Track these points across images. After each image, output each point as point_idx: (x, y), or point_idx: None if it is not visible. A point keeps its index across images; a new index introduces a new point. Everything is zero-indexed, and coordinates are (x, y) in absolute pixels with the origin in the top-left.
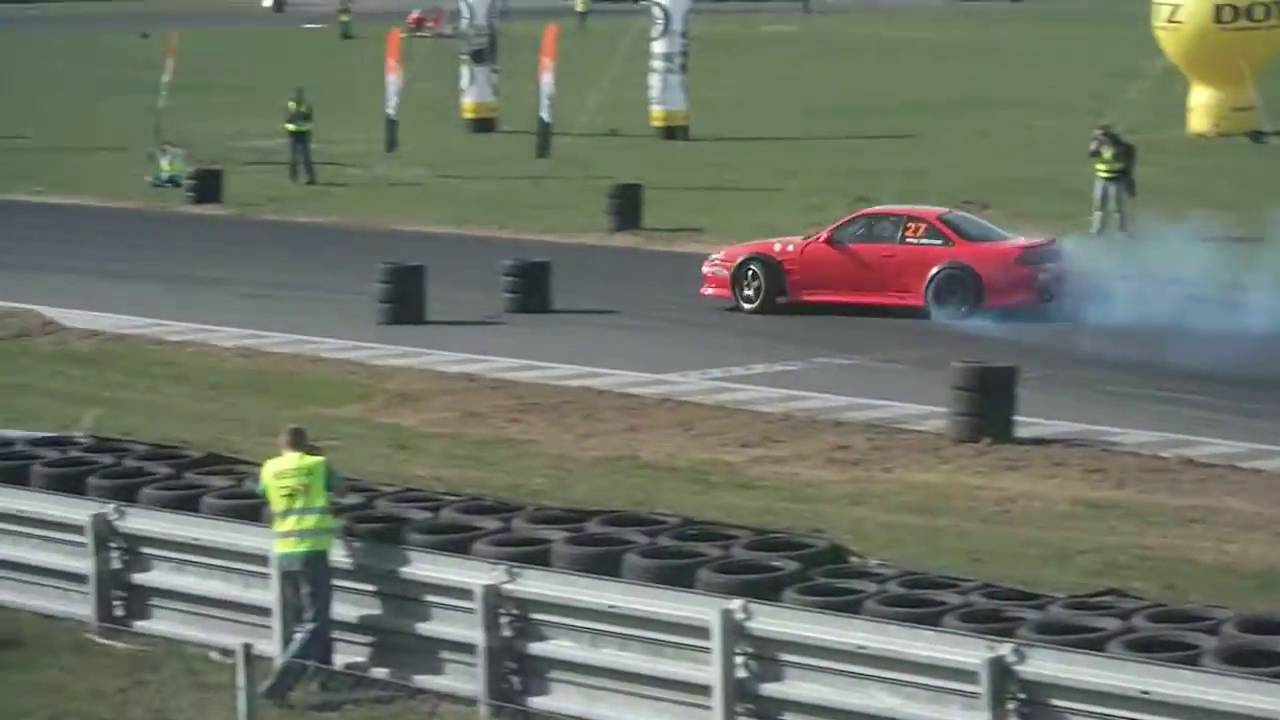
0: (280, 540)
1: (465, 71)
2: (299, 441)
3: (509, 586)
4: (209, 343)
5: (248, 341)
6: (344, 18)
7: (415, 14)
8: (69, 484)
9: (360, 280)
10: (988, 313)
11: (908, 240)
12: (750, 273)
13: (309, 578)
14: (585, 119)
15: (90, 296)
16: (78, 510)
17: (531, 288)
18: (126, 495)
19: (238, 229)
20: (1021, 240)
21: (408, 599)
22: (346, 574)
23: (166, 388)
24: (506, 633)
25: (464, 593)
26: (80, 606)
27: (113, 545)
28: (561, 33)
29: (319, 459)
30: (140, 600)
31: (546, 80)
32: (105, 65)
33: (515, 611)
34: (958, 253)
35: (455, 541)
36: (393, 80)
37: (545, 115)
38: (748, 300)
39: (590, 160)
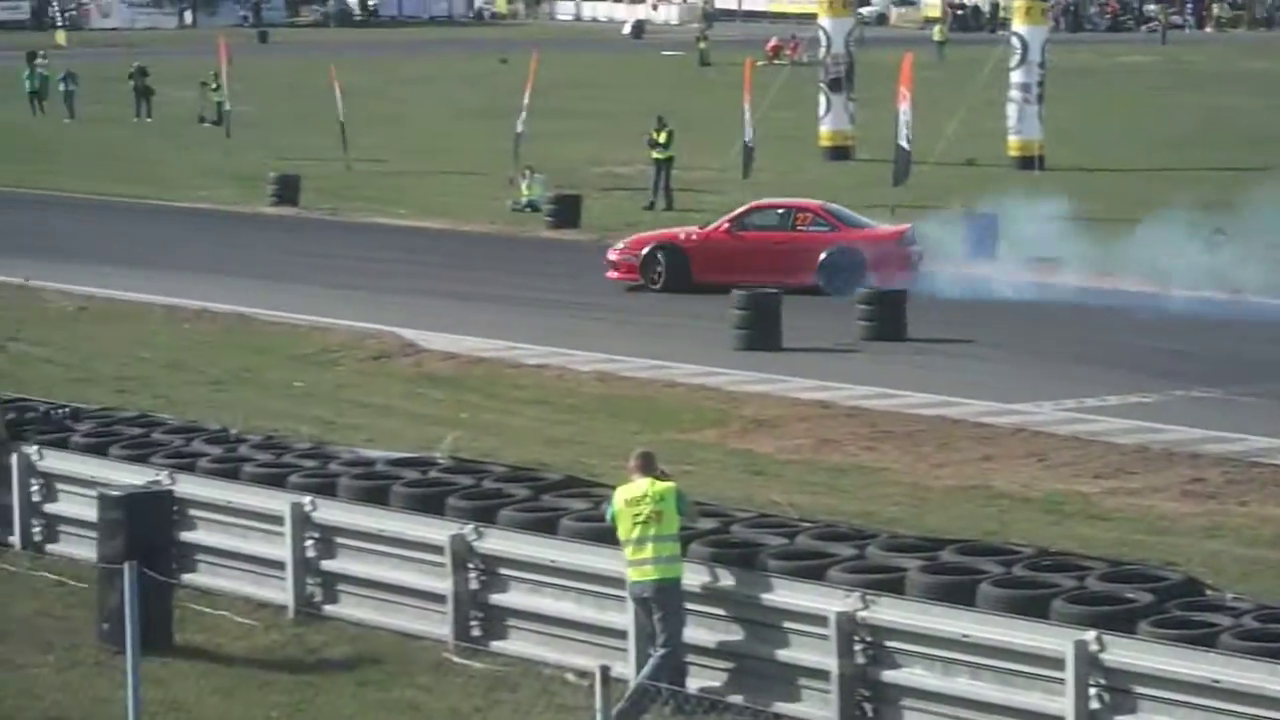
0: (632, 567)
1: (822, 99)
2: (648, 466)
3: (863, 613)
4: (566, 366)
5: (604, 366)
6: (702, 45)
7: (773, 41)
8: (429, 504)
9: (716, 306)
10: (876, 286)
11: (798, 228)
12: (657, 259)
13: (659, 604)
14: (942, 148)
15: (449, 319)
16: (437, 531)
17: (886, 315)
18: (485, 516)
19: (595, 254)
20: (892, 226)
21: (762, 624)
22: (702, 598)
23: (524, 410)
24: (860, 659)
25: (818, 619)
26: (438, 626)
27: (471, 566)
28: (919, 62)
29: (669, 485)
30: (497, 620)
31: (904, 109)
32: (465, 90)
33: (869, 638)
34: (844, 237)
35: (810, 568)
36: (749, 107)
37: (903, 143)
38: (653, 282)
39: (947, 189)
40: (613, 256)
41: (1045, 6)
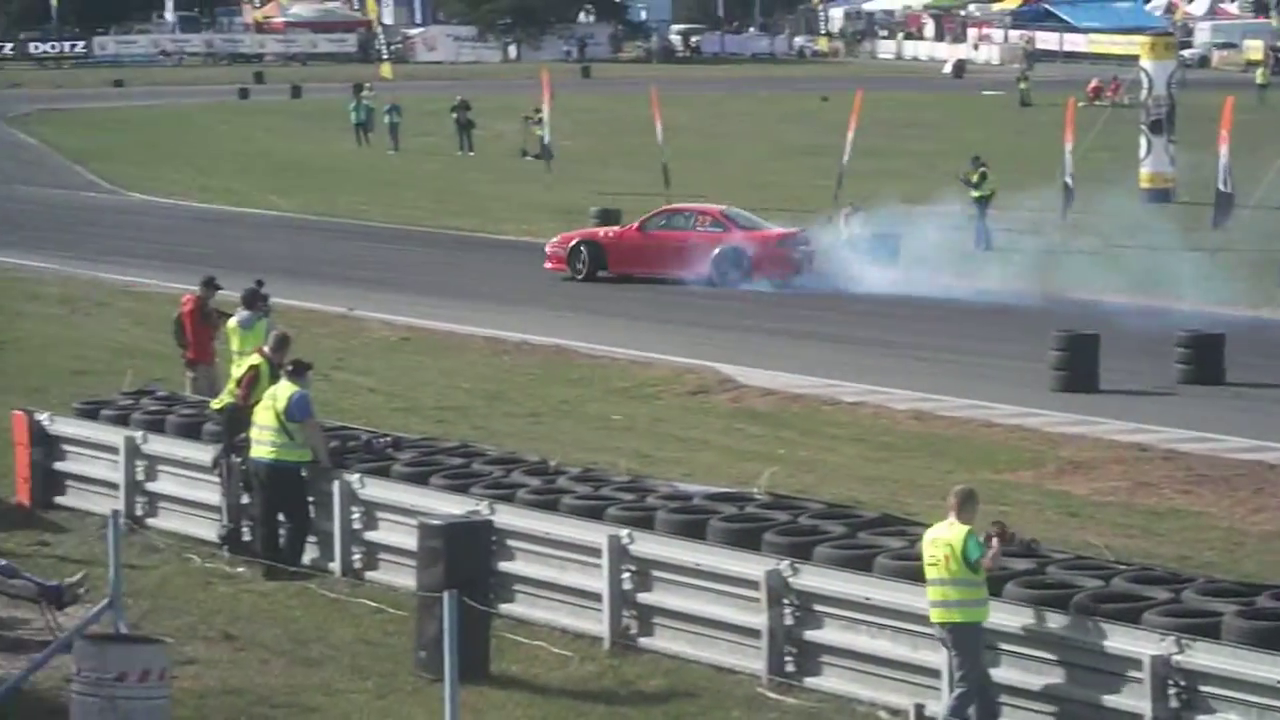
0: (930, 608)
1: (1143, 141)
2: (962, 507)
3: (1178, 658)
4: (883, 404)
5: (922, 404)
6: (1023, 85)
7: (1094, 82)
8: (745, 539)
9: (1033, 347)
10: (756, 281)
11: (697, 228)
12: (581, 252)
13: (952, 645)
14: (1262, 191)
15: (767, 355)
16: (753, 566)
17: (1205, 359)
18: (801, 553)
19: (915, 292)
20: (779, 229)
21: (1076, 666)
22: (1017, 639)
23: (841, 447)
24: (1173, 704)
25: (1133, 663)
26: (753, 661)
27: (786, 601)
28: (1239, 105)
29: (962, 530)
30: (811, 656)
31: (1224, 152)
32: (786, 127)
33: (1183, 683)
34: (733, 237)
35: (1125, 611)
36: (1069, 148)
37: (1223, 186)
38: (578, 272)
39: (1271, 232)
40: (548, 250)
41: None
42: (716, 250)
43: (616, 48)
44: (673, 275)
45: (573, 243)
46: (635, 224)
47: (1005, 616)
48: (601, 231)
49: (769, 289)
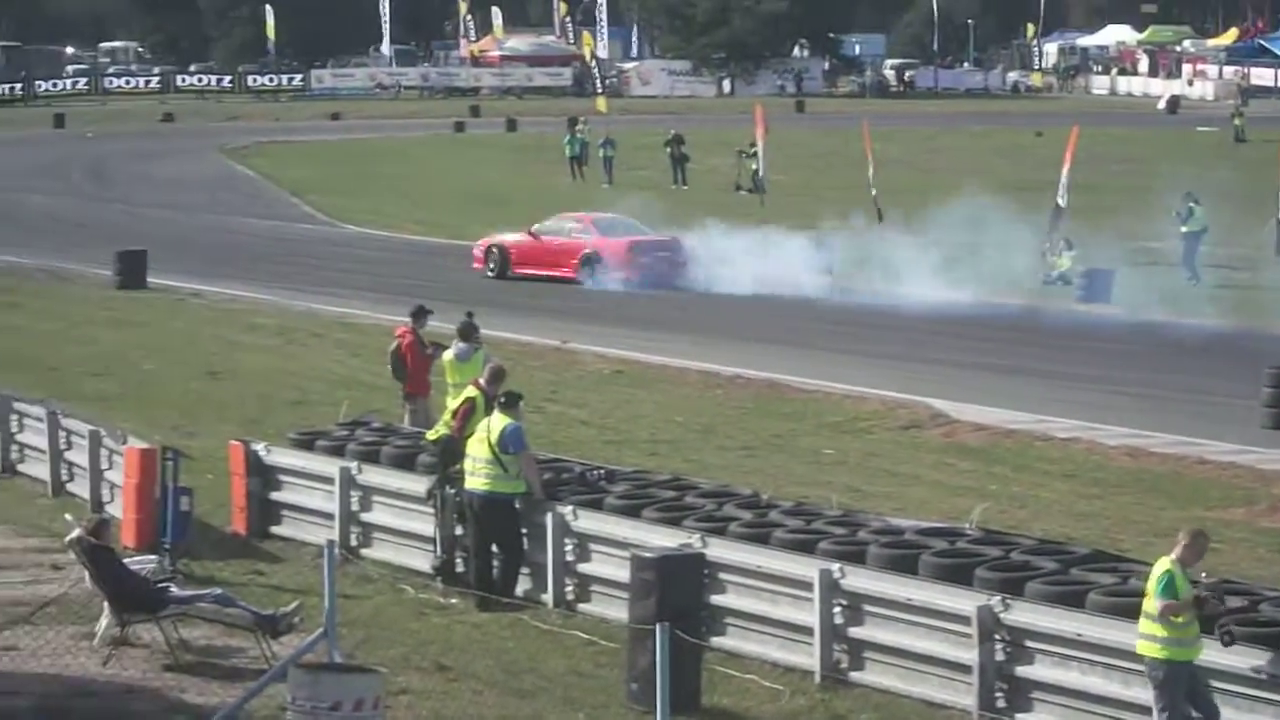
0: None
1: None
2: (1187, 543)
3: None
4: (1095, 440)
5: (1133, 441)
6: (1237, 121)
7: None
8: (956, 575)
9: (1246, 384)
10: (611, 282)
11: (571, 235)
12: (493, 253)
13: (1150, 680)
14: None
15: (981, 390)
16: (964, 601)
17: None
18: (1013, 588)
19: (1127, 329)
20: (637, 236)
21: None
22: (1229, 677)
23: (1053, 483)
24: None
25: None
26: (963, 696)
27: (997, 637)
28: None
29: (1161, 564)
30: (1022, 692)
31: None
32: (999, 161)
33: None
34: (594, 243)
35: None
36: None
37: None
38: (491, 270)
39: None
40: (475, 252)
41: None
42: (581, 254)
43: (830, 82)
44: (555, 275)
45: (487, 245)
46: (530, 230)
47: (1219, 654)
48: (508, 237)
49: (624, 289)
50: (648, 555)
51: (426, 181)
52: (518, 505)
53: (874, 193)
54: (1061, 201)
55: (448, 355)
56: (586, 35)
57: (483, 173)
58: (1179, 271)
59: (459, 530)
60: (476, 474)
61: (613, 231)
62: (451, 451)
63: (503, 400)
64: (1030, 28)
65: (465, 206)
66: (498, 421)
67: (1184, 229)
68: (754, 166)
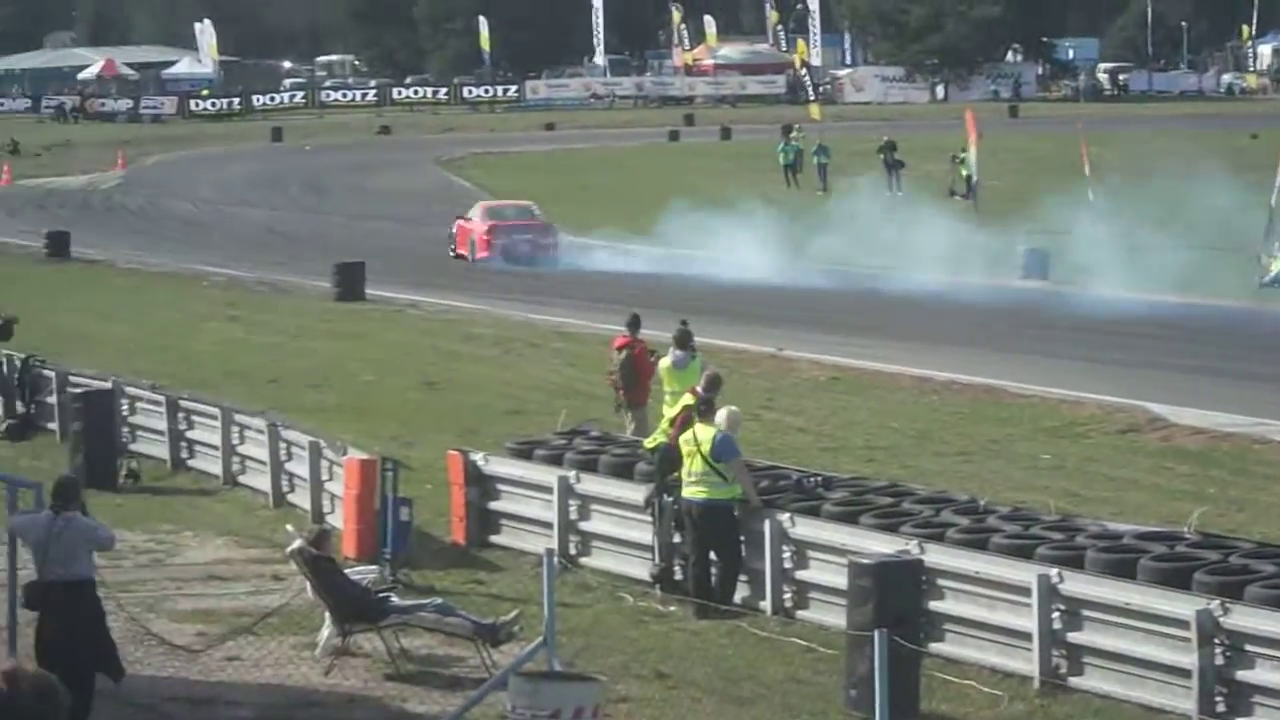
0: None
1: None
2: None
3: None
4: None
5: None
6: None
7: None
8: (1175, 579)
9: None
10: (482, 260)
11: (472, 220)
12: (451, 236)
13: None
14: None
15: (1198, 394)
16: (1183, 605)
17: None
18: (1232, 592)
19: None
20: (502, 221)
21: None
22: None
23: (1272, 487)
24: None
25: None
26: (1183, 701)
27: (1217, 641)
28: None
29: None
30: (1242, 697)
31: None
32: (1213, 164)
33: None
34: (472, 227)
35: None
36: None
37: None
38: (451, 251)
39: None
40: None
41: None
42: (468, 236)
43: (1044, 87)
44: (463, 254)
45: (452, 229)
46: (460, 216)
47: None
48: (457, 224)
49: (495, 267)
50: (865, 562)
51: (642, 191)
52: (736, 513)
53: (1091, 197)
54: (1275, 203)
55: (664, 363)
56: (800, 42)
57: (698, 181)
58: None
59: (677, 538)
60: (694, 483)
61: (495, 217)
62: (669, 459)
63: (702, 408)
64: (1245, 29)
65: (678, 215)
66: (705, 432)
67: None
68: (965, 172)
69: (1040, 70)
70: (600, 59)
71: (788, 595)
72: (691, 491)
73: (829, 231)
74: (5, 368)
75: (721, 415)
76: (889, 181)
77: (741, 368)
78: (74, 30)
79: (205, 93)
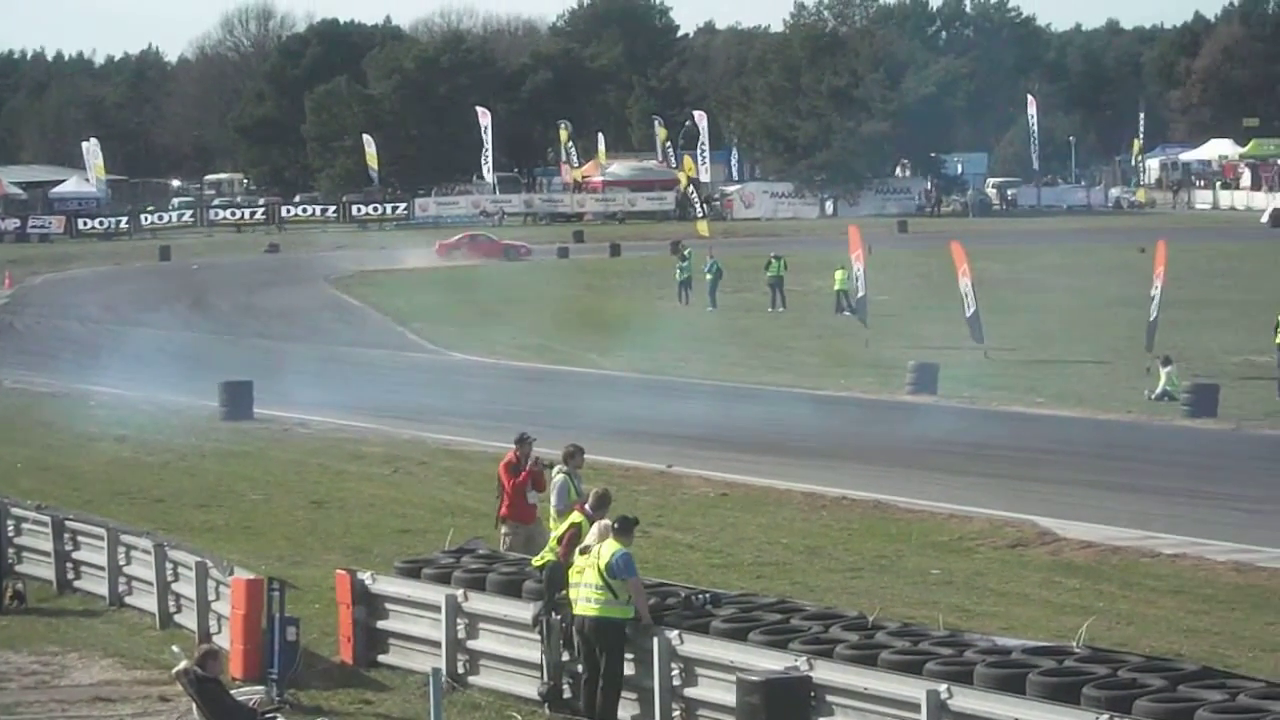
0: None
1: None
2: None
3: None
4: (1203, 556)
5: (1241, 555)
6: None
7: None
8: (1065, 694)
9: None
10: None
11: None
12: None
13: None
14: None
15: (1087, 507)
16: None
17: None
18: (1121, 706)
19: (1232, 444)
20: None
21: None
22: None
23: (1161, 600)
24: None
25: None
26: None
27: None
28: None
29: None
30: None
31: None
32: (1102, 278)
33: None
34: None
35: None
36: None
37: None
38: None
39: None
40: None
41: None
42: None
43: (934, 202)
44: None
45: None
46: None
47: None
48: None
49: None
50: (754, 679)
51: (531, 307)
52: (627, 630)
53: (972, 311)
54: (1153, 316)
55: (557, 481)
56: (688, 159)
57: (588, 298)
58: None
59: (565, 656)
60: (587, 600)
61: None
62: (557, 577)
63: (616, 526)
64: (1136, 143)
65: (570, 331)
66: (608, 547)
67: (1278, 341)
68: (840, 288)
69: (929, 186)
70: (489, 176)
71: (677, 713)
72: (584, 608)
73: (717, 347)
74: None
75: (600, 527)
76: (773, 298)
77: (631, 485)
78: None
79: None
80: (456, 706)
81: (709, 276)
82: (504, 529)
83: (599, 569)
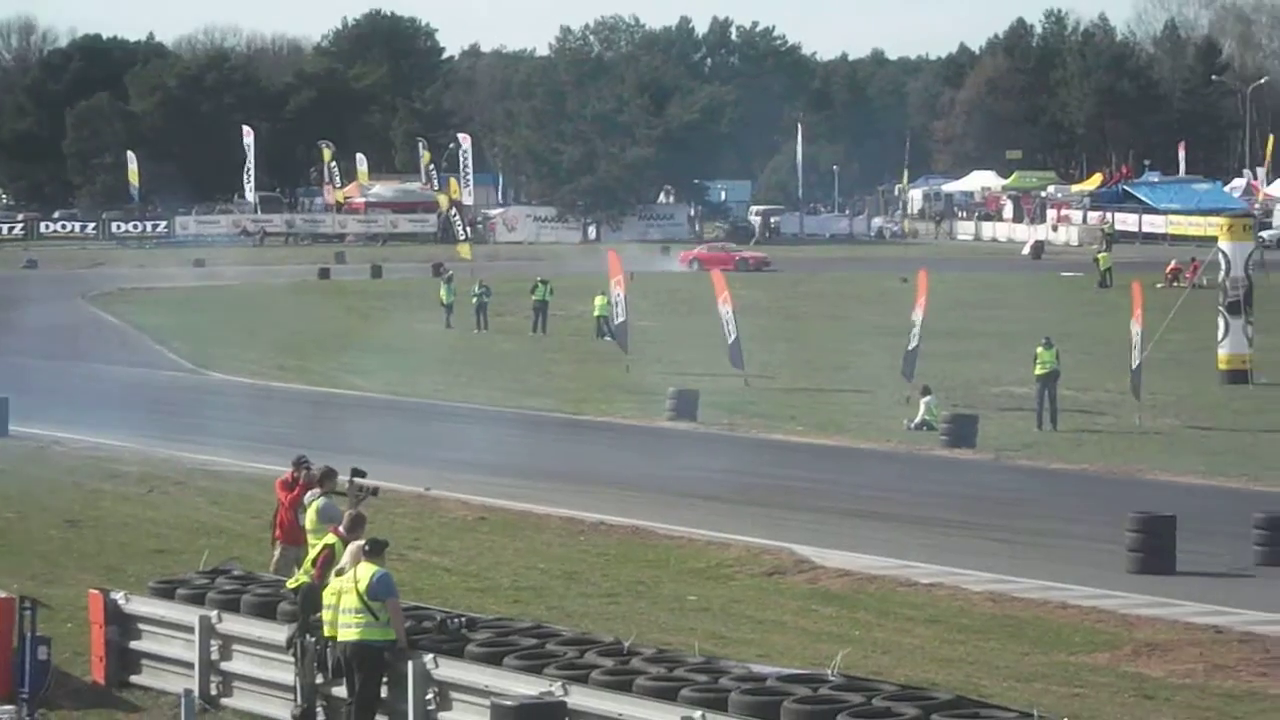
0: None
1: (1221, 322)
2: None
3: None
4: (959, 586)
5: (997, 586)
6: (1103, 265)
7: (1173, 264)
8: None
9: (1109, 528)
10: None
11: None
12: None
13: None
14: None
15: (844, 536)
16: None
17: None
18: None
19: (990, 474)
20: None
21: None
22: None
23: (916, 629)
24: None
25: None
26: None
27: None
28: None
29: None
30: None
31: None
32: (863, 308)
33: None
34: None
35: None
36: (1137, 330)
37: None
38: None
39: None
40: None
41: None
42: None
43: (696, 228)
44: None
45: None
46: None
47: None
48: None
49: None
50: (508, 704)
51: (292, 328)
52: (386, 654)
53: (733, 338)
54: (913, 345)
55: (315, 505)
56: (452, 181)
57: (349, 320)
58: (1036, 416)
59: (319, 679)
60: (347, 624)
61: None
62: (312, 599)
63: (368, 548)
64: (905, 174)
65: (329, 353)
66: (365, 570)
67: (1038, 370)
68: (599, 314)
69: (692, 212)
70: (251, 195)
71: None
72: (345, 634)
73: (478, 370)
74: None
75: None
76: (535, 322)
77: (389, 507)
78: None
79: None
80: None
81: (474, 300)
82: (276, 551)
83: (358, 592)
